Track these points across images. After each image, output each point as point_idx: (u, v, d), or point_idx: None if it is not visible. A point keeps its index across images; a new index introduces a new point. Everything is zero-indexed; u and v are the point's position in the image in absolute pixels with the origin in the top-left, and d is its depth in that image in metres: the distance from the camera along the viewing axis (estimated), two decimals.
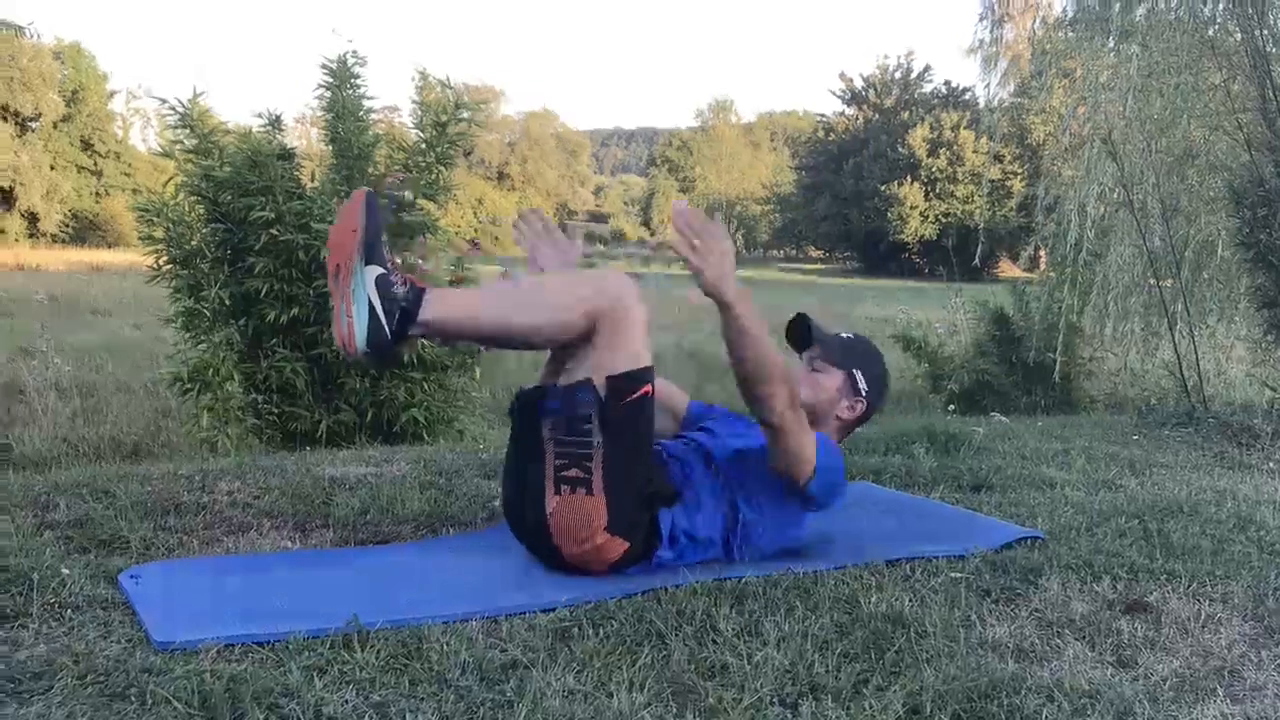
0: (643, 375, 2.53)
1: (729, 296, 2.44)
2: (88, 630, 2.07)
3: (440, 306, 2.41)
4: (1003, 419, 5.80)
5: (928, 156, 47.48)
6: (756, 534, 2.71)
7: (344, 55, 6.37)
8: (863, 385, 2.90)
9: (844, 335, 3.01)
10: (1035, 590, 2.50)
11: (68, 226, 40.79)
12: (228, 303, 5.94)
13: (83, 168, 43.34)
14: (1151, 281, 7.50)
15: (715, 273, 2.43)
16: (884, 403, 3.00)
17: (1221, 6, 6.90)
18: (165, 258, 6.07)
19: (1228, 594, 2.52)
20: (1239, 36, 6.64)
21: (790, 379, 2.56)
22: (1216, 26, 7.03)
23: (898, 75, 53.89)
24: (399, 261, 2.46)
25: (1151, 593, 2.50)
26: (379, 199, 2.43)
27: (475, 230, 52.89)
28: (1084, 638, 2.22)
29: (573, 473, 2.48)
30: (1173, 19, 6.99)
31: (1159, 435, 5.23)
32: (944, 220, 46.23)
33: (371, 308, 2.33)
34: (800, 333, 2.96)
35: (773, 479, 2.70)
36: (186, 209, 6.10)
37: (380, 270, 2.34)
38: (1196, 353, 6.85)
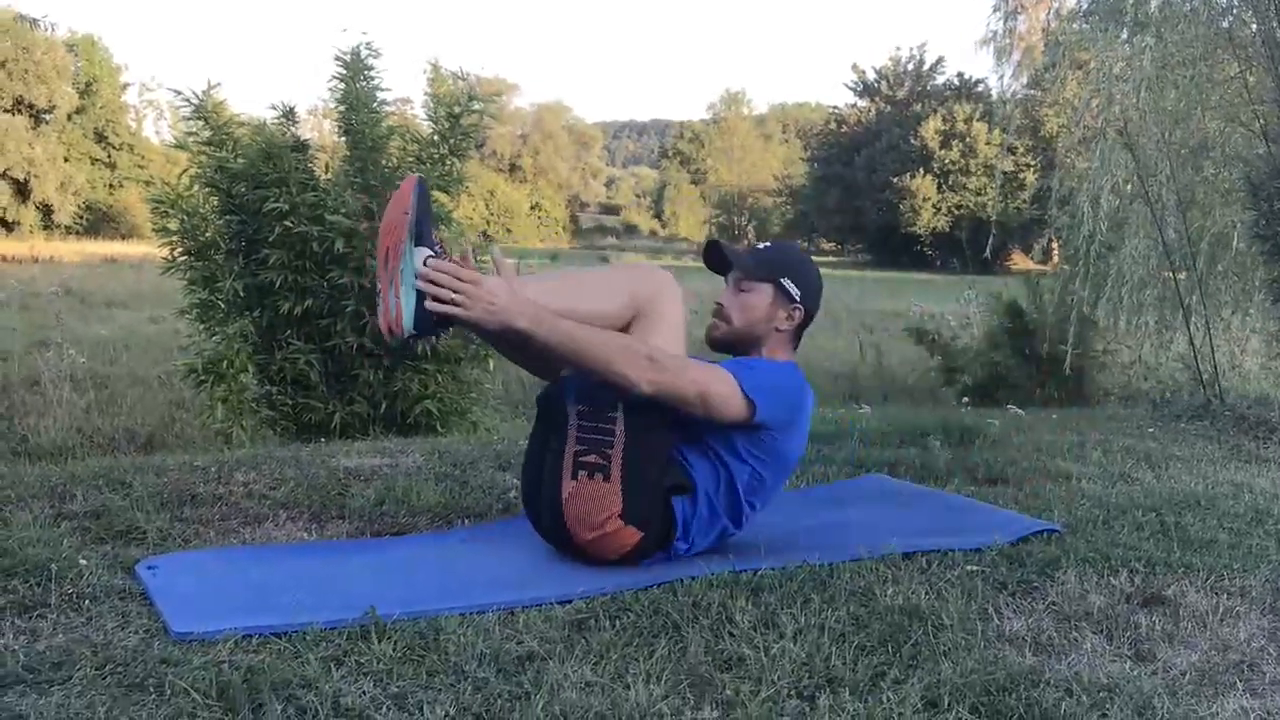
0: None
1: (519, 324, 2.36)
2: (106, 620, 2.08)
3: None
4: (1018, 411, 5.79)
5: (940, 148, 47.30)
6: (758, 481, 2.69)
7: (358, 47, 6.36)
8: (794, 291, 2.77)
9: (760, 246, 2.91)
10: (1052, 583, 2.49)
11: (81, 218, 40.86)
12: (242, 294, 5.94)
13: (96, 160, 43.39)
14: (1166, 274, 7.46)
15: (488, 312, 2.34)
16: (820, 300, 2.86)
17: None
18: (180, 249, 6.08)
19: (1246, 587, 2.51)
20: (1255, 27, 6.60)
21: (626, 345, 2.46)
22: (1232, 17, 6.99)
23: (910, 67, 53.70)
24: (445, 245, 2.43)
25: (1169, 586, 2.49)
26: (427, 182, 2.42)
27: (487, 222, 52.89)
28: (1102, 631, 2.21)
29: (591, 459, 2.49)
30: (1187, 10, 6.95)
31: (1174, 428, 5.21)
32: (956, 212, 46.07)
33: (419, 292, 2.32)
34: (716, 258, 2.85)
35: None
36: (201, 201, 6.11)
37: (429, 252, 2.33)
38: (1212, 345, 6.81)
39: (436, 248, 2.35)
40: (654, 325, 2.53)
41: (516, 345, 2.61)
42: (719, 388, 2.54)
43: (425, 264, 2.33)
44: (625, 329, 2.53)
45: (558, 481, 2.53)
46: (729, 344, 2.81)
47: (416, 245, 2.33)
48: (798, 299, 2.79)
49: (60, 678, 1.80)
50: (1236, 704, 1.89)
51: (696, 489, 2.63)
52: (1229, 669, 2.04)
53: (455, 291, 2.32)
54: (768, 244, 2.94)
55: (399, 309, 2.31)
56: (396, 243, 2.31)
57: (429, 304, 2.32)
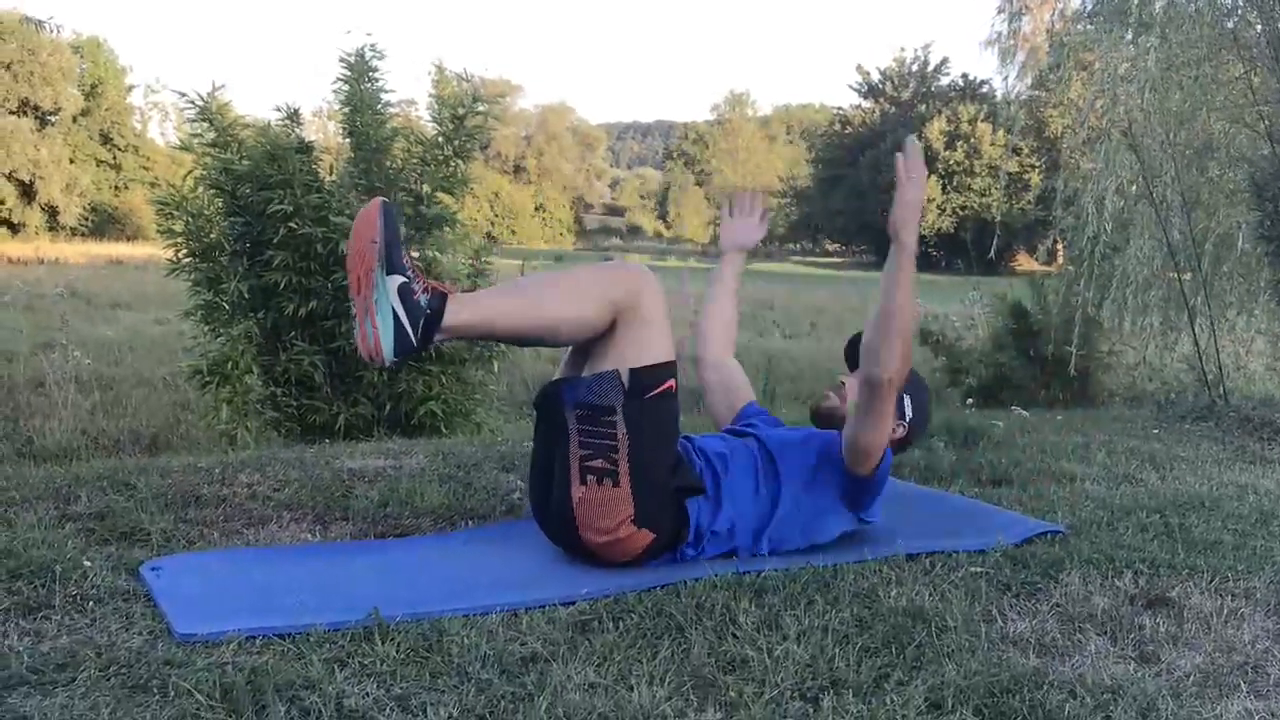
0: (666, 369, 2.53)
1: (908, 237, 2.52)
2: (110, 622, 2.08)
3: (463, 310, 2.41)
4: (1022, 413, 5.78)
5: (945, 149, 47.28)
6: (788, 528, 2.72)
7: (362, 49, 6.37)
8: (909, 410, 2.92)
9: None
10: (1056, 585, 2.49)
11: (87, 220, 40.87)
12: (246, 296, 5.94)
13: (102, 161, 43.39)
14: (1171, 275, 7.44)
15: (912, 208, 2.52)
16: (925, 432, 3.01)
17: None
18: (184, 251, 6.08)
19: (1250, 589, 2.51)
20: (1260, 28, 6.59)
21: (908, 338, 2.60)
22: (1237, 18, 6.97)
23: (915, 68, 53.69)
24: (419, 267, 2.44)
25: (1173, 588, 2.49)
26: (394, 205, 2.43)
27: (492, 224, 52.94)
28: (1106, 633, 2.21)
29: (598, 463, 2.49)
30: (1192, 10, 6.93)
31: (1179, 429, 5.20)
32: (961, 213, 46.06)
33: (397, 318, 2.32)
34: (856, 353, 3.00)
35: (818, 472, 2.72)
36: (205, 202, 6.11)
37: (402, 279, 2.33)
38: (1216, 346, 6.80)
39: (409, 273, 2.36)
40: (643, 324, 2.52)
41: (506, 342, 2.66)
42: (886, 430, 2.67)
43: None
44: (607, 332, 2.52)
45: (567, 485, 2.53)
46: (829, 420, 2.94)
47: (389, 273, 2.33)
48: (907, 419, 2.91)
49: (64, 679, 1.80)
50: (1241, 706, 1.88)
51: (721, 501, 2.65)
52: (1233, 670, 2.04)
53: (917, 174, 2.53)
54: None
55: (378, 338, 2.32)
56: (367, 271, 2.31)
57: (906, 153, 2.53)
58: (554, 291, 2.59)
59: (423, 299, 2.35)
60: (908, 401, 2.91)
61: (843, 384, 2.97)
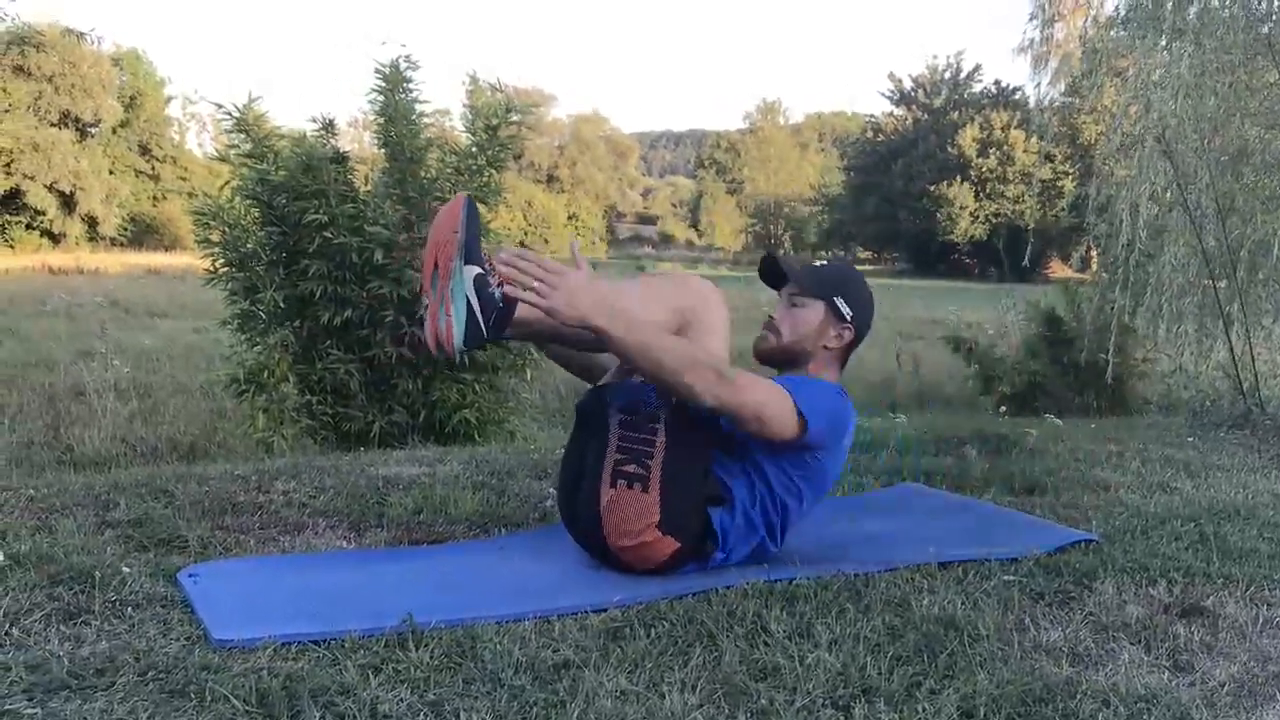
0: None
1: (596, 321, 2.35)
2: (148, 627, 2.11)
3: (534, 309, 2.43)
4: (1056, 420, 5.75)
5: (977, 156, 47.11)
6: (792, 500, 2.68)
7: (396, 60, 6.42)
8: (846, 311, 2.79)
9: (817, 264, 2.97)
10: (1090, 594, 2.48)
11: (126, 230, 41.26)
12: (282, 305, 5.99)
13: (140, 172, 43.82)
14: (1206, 282, 7.38)
15: (569, 304, 2.34)
16: (871, 321, 2.87)
17: (1277, 3, 6.80)
18: (221, 260, 6.14)
19: None
20: None
21: (697, 357, 2.43)
22: (1272, 23, 6.92)
23: (947, 75, 53.53)
24: (494, 263, 2.45)
25: (1208, 597, 2.47)
26: (476, 204, 2.46)
27: (525, 233, 53.07)
28: (1139, 642, 2.20)
29: (630, 468, 2.51)
30: (1226, 16, 6.87)
31: (1214, 437, 5.16)
32: (994, 220, 45.89)
33: (470, 308, 2.34)
34: (772, 271, 2.89)
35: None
36: (242, 212, 6.17)
37: (479, 270, 2.36)
38: (1252, 354, 6.74)
39: (486, 265, 2.38)
40: (703, 334, 2.54)
41: (572, 345, 2.65)
42: (776, 407, 2.54)
43: (499, 260, 2.37)
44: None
45: (596, 488, 2.55)
46: (777, 357, 2.83)
47: (466, 264, 2.36)
48: (849, 318, 2.80)
49: (104, 684, 1.83)
50: (1276, 716, 1.88)
51: (734, 502, 2.64)
52: (1268, 680, 2.03)
53: (538, 280, 2.34)
54: (824, 262, 3.00)
55: (450, 326, 2.34)
56: (447, 260, 2.34)
57: (508, 289, 2.36)
58: (624, 297, 2.60)
59: (496, 292, 2.37)
60: (841, 302, 2.79)
61: (771, 318, 2.84)
